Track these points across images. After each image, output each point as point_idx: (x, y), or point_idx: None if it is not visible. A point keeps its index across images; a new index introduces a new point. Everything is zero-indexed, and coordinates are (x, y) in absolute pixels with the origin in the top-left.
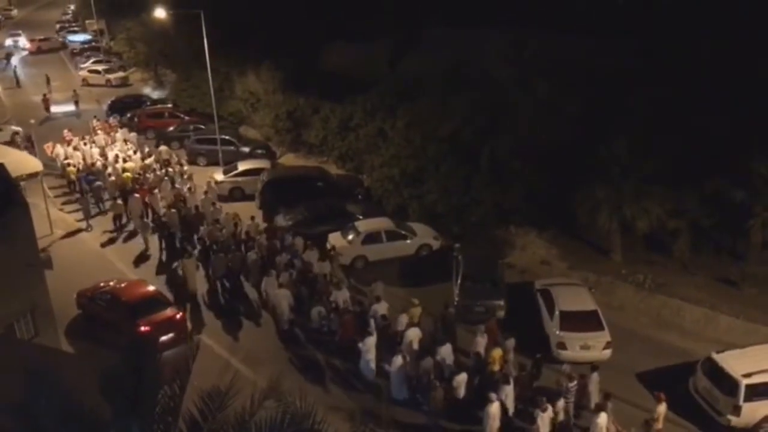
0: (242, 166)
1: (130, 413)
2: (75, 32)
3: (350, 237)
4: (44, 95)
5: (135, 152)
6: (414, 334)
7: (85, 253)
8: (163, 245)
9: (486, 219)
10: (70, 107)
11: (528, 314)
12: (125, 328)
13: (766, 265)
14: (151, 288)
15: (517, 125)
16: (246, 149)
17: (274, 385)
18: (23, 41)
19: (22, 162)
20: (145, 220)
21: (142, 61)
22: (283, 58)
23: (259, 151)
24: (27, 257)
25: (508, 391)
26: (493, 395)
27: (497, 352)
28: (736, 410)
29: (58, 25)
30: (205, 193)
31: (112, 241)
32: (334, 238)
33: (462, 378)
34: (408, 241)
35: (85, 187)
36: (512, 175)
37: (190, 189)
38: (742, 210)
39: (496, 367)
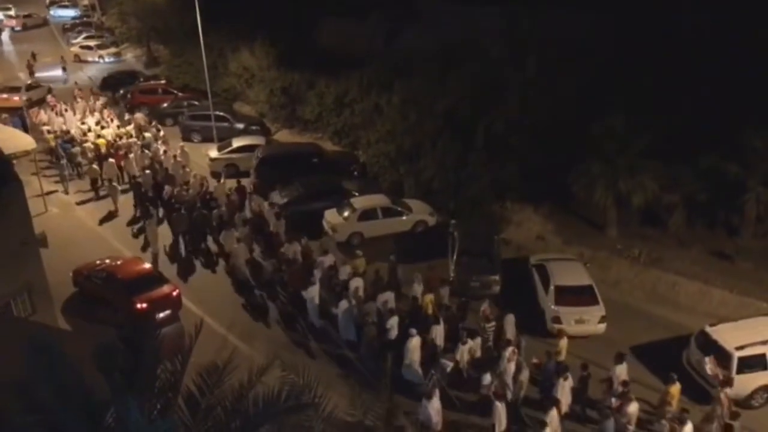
0: (237, 143)
1: (128, 389)
2: (65, 7)
3: (346, 213)
4: (28, 61)
5: (112, 120)
6: (356, 283)
7: (78, 228)
8: (137, 204)
9: (482, 195)
10: (57, 72)
11: (523, 289)
12: (121, 305)
13: (759, 239)
14: (147, 265)
15: (512, 102)
16: (240, 126)
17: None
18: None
19: (14, 139)
20: (114, 183)
21: (134, 36)
22: (277, 34)
23: (254, 128)
24: (22, 235)
25: (438, 331)
26: (413, 330)
27: (429, 298)
28: (729, 382)
29: (48, 0)
30: (174, 157)
31: (86, 201)
32: (330, 215)
33: (393, 321)
34: (404, 218)
35: (60, 153)
36: (508, 151)
37: (165, 152)
38: (737, 184)
39: (429, 311)
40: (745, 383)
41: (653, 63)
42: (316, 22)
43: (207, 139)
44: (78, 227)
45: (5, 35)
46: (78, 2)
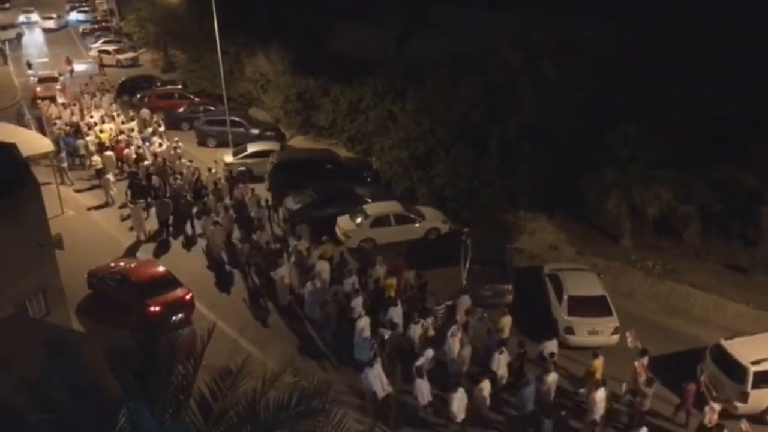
0: (251, 148)
1: (140, 391)
2: (84, 11)
3: (359, 220)
4: (67, 57)
5: (118, 115)
6: (323, 267)
7: (93, 231)
8: (130, 192)
9: (495, 203)
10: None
11: (536, 299)
12: (135, 308)
13: None
14: (161, 268)
15: (526, 108)
16: (255, 131)
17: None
18: (36, 18)
19: (33, 142)
20: (107, 176)
21: (152, 41)
22: (292, 39)
23: (269, 133)
24: (38, 237)
25: (399, 312)
26: (362, 311)
27: (391, 281)
28: (744, 397)
29: (68, 5)
30: (174, 149)
31: (84, 190)
32: (343, 221)
33: (357, 301)
34: (416, 225)
35: (62, 146)
36: (521, 159)
37: (159, 144)
38: (753, 195)
39: (392, 293)
40: (761, 398)
41: (668, 70)
42: (330, 28)
43: (222, 144)
44: (94, 230)
45: (26, 39)
46: (97, 7)
